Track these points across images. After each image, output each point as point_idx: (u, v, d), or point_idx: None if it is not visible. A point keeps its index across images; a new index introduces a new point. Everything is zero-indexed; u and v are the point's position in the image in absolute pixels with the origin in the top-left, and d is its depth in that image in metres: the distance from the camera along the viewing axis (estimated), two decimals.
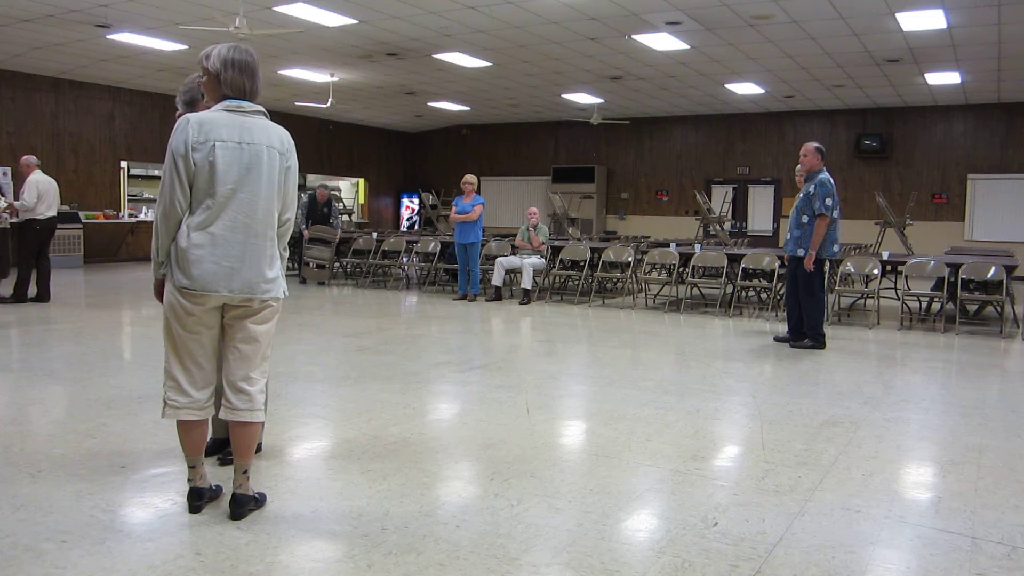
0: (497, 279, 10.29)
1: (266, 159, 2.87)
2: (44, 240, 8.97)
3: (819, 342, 7.00)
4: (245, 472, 2.93)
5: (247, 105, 2.89)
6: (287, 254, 3.11)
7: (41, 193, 8.71)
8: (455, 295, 10.52)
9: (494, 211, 19.15)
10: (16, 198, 9.10)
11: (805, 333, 7.07)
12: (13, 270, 9.12)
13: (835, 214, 6.93)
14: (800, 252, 6.98)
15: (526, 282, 10.08)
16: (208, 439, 3.64)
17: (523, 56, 12.61)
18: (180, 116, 3.39)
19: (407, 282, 12.56)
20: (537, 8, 9.83)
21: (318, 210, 12.10)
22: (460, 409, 4.82)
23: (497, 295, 10.32)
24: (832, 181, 6.94)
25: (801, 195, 7.03)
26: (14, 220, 9.02)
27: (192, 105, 3.40)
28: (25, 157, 8.98)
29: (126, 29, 10.99)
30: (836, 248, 7.15)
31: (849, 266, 9.19)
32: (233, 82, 2.88)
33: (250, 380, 2.92)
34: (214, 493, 3.06)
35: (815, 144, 7.04)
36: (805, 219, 6.95)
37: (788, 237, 7.22)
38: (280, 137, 2.95)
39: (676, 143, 18.96)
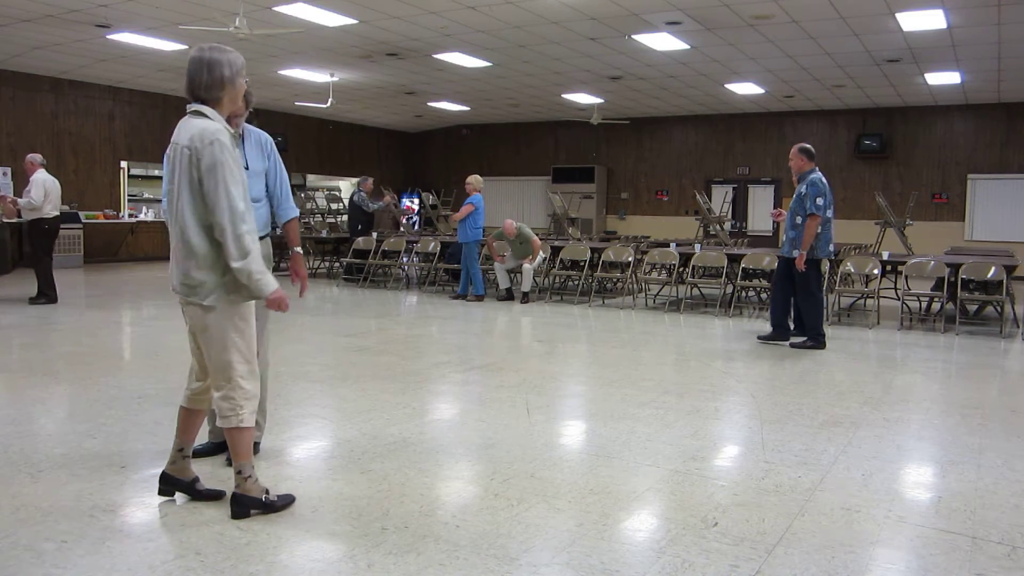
0: (503, 281, 10.30)
1: (178, 158, 2.80)
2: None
3: (819, 342, 7.00)
4: (240, 472, 2.94)
5: (192, 105, 2.87)
6: (249, 263, 2.73)
7: (48, 191, 8.67)
8: (452, 294, 10.53)
9: (494, 211, 19.10)
10: (20, 197, 9.05)
11: (788, 328, 7.12)
12: (13, 270, 9.11)
13: (828, 213, 6.93)
14: (795, 253, 6.99)
15: (526, 284, 10.09)
16: (208, 441, 3.67)
17: (523, 56, 12.60)
18: None
19: (407, 282, 12.56)
20: (537, 8, 9.83)
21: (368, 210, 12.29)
22: (460, 409, 4.82)
23: (509, 295, 10.30)
24: (824, 181, 6.93)
25: (795, 196, 7.06)
26: (15, 220, 8.96)
27: None
28: (30, 155, 8.87)
29: (126, 29, 10.98)
30: (831, 248, 7.16)
31: (849, 266, 9.19)
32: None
33: (217, 386, 2.91)
34: (201, 494, 3.08)
35: (800, 146, 7.05)
36: (799, 220, 6.96)
37: (784, 238, 7.23)
38: (192, 134, 2.74)
39: (676, 143, 18.95)
